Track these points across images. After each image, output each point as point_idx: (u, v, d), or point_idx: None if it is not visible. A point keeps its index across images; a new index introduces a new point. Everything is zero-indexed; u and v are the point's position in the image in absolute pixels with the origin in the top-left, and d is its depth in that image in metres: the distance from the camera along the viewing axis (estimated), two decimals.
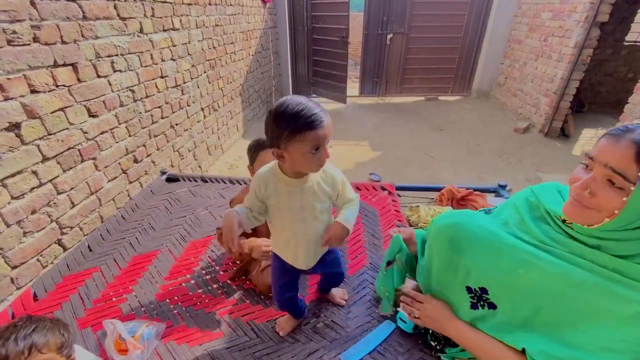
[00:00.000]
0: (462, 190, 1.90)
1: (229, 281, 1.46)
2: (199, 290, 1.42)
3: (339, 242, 0.98)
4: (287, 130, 0.81)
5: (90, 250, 1.58)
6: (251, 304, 1.35)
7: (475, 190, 1.96)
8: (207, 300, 1.37)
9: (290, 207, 0.95)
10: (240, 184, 2.16)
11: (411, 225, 1.83)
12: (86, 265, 1.50)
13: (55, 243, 1.74)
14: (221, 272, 1.52)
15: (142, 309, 1.31)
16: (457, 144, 4.55)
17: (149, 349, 1.12)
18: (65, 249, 1.79)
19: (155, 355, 1.13)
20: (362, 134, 4.87)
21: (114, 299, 1.35)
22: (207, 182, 2.17)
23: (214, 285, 1.45)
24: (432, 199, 2.04)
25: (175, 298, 1.37)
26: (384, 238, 1.71)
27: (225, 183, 2.16)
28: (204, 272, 1.52)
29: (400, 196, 2.04)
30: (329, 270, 1.19)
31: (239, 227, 0.91)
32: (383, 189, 2.09)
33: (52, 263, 1.71)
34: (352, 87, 6.82)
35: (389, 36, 6.12)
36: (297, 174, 0.92)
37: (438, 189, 2.03)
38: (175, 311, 1.31)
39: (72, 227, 1.82)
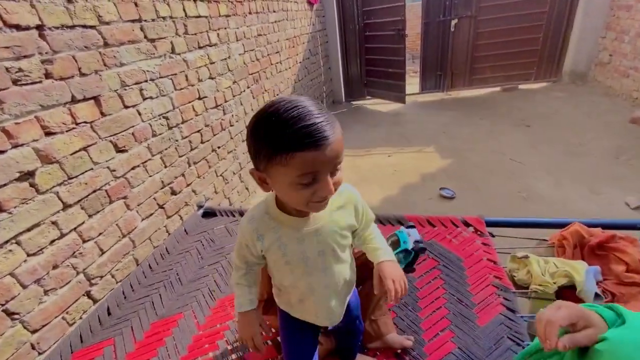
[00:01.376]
0: (596, 231, 1.27)
1: None
2: None
3: (405, 287, 0.73)
4: (267, 146, 0.57)
5: (110, 314, 1.36)
6: None
7: (615, 227, 1.31)
8: None
9: (305, 258, 0.70)
10: None
11: (517, 286, 1.26)
12: (101, 336, 1.27)
13: (84, 296, 1.57)
14: (250, 350, 1.16)
15: None
16: (551, 143, 3.65)
17: None
18: (95, 301, 1.62)
19: None
20: (427, 137, 4.23)
21: None
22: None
23: None
24: (544, 240, 1.43)
25: None
26: (478, 306, 1.18)
27: None
28: (229, 348, 1.18)
29: (493, 236, 1.48)
30: (349, 321, 0.88)
31: (260, 327, 0.79)
32: (467, 224, 1.54)
33: (80, 319, 1.55)
34: (412, 83, 6.14)
35: (453, 22, 5.34)
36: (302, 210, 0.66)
37: (554, 225, 1.42)
38: None
39: (102, 276, 1.65)
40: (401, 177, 3.33)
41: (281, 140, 0.54)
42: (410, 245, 1.01)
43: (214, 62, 2.51)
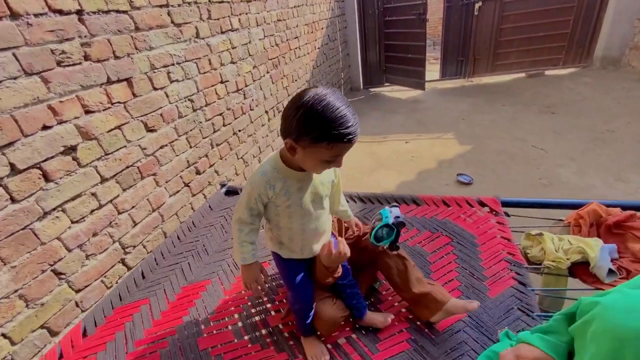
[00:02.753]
0: (615, 211, 1.27)
1: (280, 325, 1.19)
2: (246, 337, 1.18)
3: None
4: (316, 132, 0.74)
5: (144, 278, 1.48)
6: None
7: (635, 208, 1.30)
8: (253, 353, 1.12)
9: (301, 203, 0.92)
10: None
11: (530, 262, 1.29)
12: (137, 296, 1.40)
13: (119, 263, 1.72)
14: (272, 312, 1.26)
15: (182, 359, 1.13)
16: (577, 130, 3.53)
17: None
18: (129, 268, 1.77)
19: None
20: (446, 124, 4.18)
21: (155, 342, 1.20)
22: None
23: (263, 331, 1.20)
24: (560, 220, 1.44)
25: (219, 346, 1.15)
26: (489, 279, 1.22)
27: None
28: (253, 311, 1.28)
29: (508, 215, 1.50)
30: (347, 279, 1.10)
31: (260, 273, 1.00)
32: (482, 204, 1.57)
33: (116, 283, 1.69)
34: (431, 70, 6.03)
35: (477, 5, 5.17)
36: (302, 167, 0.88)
37: (570, 206, 1.42)
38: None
39: (134, 246, 1.79)
40: (418, 163, 3.33)
41: (330, 132, 0.73)
42: (391, 220, 1.07)
43: (235, 47, 2.58)
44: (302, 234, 0.97)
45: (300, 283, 1.03)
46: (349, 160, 3.70)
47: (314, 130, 0.74)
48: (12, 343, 1.28)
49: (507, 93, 4.99)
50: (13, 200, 1.27)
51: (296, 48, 3.66)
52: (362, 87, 6.13)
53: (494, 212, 1.52)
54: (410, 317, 1.14)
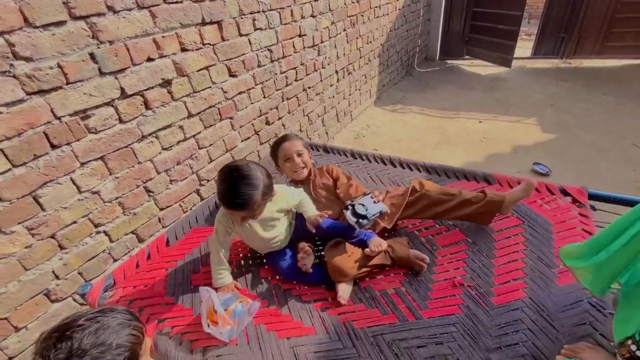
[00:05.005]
0: None
1: None
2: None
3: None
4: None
5: (217, 207, 1.65)
6: (352, 301, 1.14)
7: None
8: (306, 287, 1.22)
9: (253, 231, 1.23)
10: (362, 159, 1.88)
11: None
12: (210, 221, 1.57)
13: (195, 192, 1.92)
14: None
15: (245, 280, 1.27)
16: None
17: (240, 327, 1.04)
18: (202, 198, 1.97)
19: (243, 335, 1.06)
20: (529, 108, 3.77)
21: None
22: (329, 152, 1.99)
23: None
24: None
25: (277, 277, 1.27)
26: (560, 268, 1.15)
27: (346, 156, 1.93)
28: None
29: (594, 209, 1.36)
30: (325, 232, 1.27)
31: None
32: (565, 193, 1.43)
33: (191, 209, 1.91)
34: (519, 46, 5.35)
35: None
36: None
37: None
38: (274, 292, 1.21)
39: (208, 180, 1.98)
40: (490, 145, 3.10)
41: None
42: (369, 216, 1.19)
43: (317, 0, 2.53)
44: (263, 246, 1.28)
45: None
46: (413, 132, 3.57)
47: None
48: (111, 240, 1.54)
49: (612, 80, 4.28)
50: (120, 120, 1.46)
51: (376, 7, 3.48)
52: (437, 58, 5.70)
53: (578, 204, 1.38)
54: (467, 284, 1.13)
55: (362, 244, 1.21)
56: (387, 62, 4.17)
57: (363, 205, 1.20)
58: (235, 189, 1.00)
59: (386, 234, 1.35)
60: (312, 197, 1.37)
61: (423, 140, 3.28)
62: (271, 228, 1.21)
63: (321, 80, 2.88)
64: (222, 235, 1.19)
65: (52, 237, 1.32)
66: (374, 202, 1.23)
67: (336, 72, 3.07)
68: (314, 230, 1.20)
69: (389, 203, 1.36)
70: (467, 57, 5.56)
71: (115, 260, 1.58)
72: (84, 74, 1.29)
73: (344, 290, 1.15)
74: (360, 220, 1.17)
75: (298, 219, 1.29)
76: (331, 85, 3.06)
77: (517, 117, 3.58)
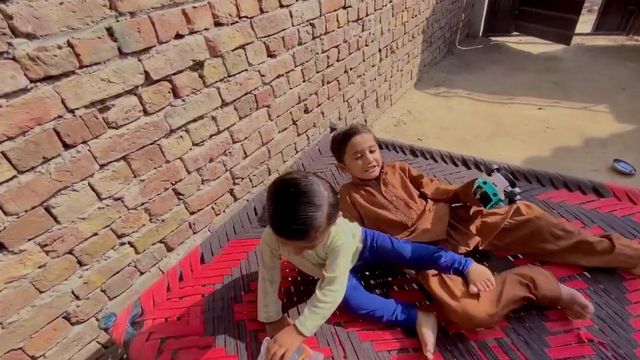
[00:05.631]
0: None
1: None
2: None
3: None
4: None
5: (257, 214, 1.41)
6: (442, 355, 0.88)
7: None
8: (377, 329, 0.96)
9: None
10: (426, 158, 1.57)
11: None
12: (251, 233, 1.33)
13: (228, 192, 1.68)
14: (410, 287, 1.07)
15: (298, 314, 1.02)
16: None
17: None
18: (235, 198, 1.73)
19: None
20: (597, 92, 3.29)
21: None
22: (381, 148, 1.70)
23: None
24: None
25: (337, 313, 1.02)
26: None
27: (404, 154, 1.62)
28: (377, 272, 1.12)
29: None
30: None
31: None
32: None
33: (223, 212, 1.68)
34: (580, 21, 4.72)
35: None
36: None
37: None
38: (337, 335, 0.96)
39: (242, 178, 1.73)
40: (555, 137, 2.69)
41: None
42: (502, 196, 0.92)
43: None
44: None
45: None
46: (461, 119, 3.19)
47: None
48: (137, 252, 1.33)
49: None
50: (145, 112, 1.21)
51: None
52: (480, 35, 5.14)
53: None
54: (598, 341, 0.84)
55: (458, 274, 0.95)
56: (430, 39, 3.72)
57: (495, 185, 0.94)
58: (293, 211, 0.74)
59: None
60: (381, 198, 1.13)
61: (474, 130, 2.90)
62: (320, 254, 0.95)
63: (363, 60, 2.53)
64: (269, 259, 0.97)
65: (70, 252, 1.12)
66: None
67: (379, 50, 2.70)
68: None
69: (480, 222, 1.07)
70: (515, 33, 4.99)
71: (142, 274, 1.37)
72: (101, 55, 1.03)
73: (430, 339, 0.89)
74: (514, 188, 0.91)
75: (367, 240, 1.02)
76: (373, 66, 2.71)
77: (583, 104, 3.12)
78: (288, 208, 0.75)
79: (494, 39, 5.06)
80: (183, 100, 1.31)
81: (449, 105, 3.34)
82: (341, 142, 1.15)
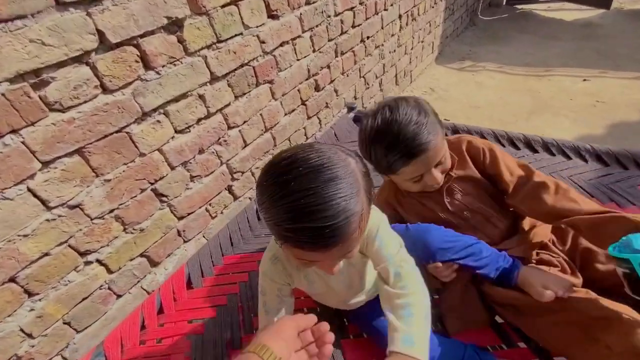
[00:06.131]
0: None
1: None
2: None
3: None
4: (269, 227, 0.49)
5: (259, 220, 1.10)
6: None
7: None
8: None
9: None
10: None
11: None
12: (252, 245, 1.02)
13: (226, 190, 1.38)
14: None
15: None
16: None
17: None
18: (235, 197, 1.43)
19: None
20: None
21: None
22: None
23: None
24: None
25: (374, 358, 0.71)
26: None
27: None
28: None
29: None
30: None
31: None
32: None
33: (221, 213, 1.38)
34: None
35: None
36: None
37: None
38: None
39: (243, 172, 1.42)
40: (608, 112, 2.30)
41: (276, 230, 0.47)
42: None
43: None
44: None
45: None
46: (493, 96, 2.80)
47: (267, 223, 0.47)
48: (109, 271, 1.04)
49: None
50: (104, 88, 0.89)
51: None
52: (504, 3, 4.63)
53: None
54: None
55: (506, 280, 0.69)
56: (452, 7, 3.29)
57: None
58: (320, 196, 0.42)
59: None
60: (443, 213, 0.76)
61: (510, 107, 2.51)
62: (353, 270, 0.64)
63: (382, 28, 2.15)
64: (273, 301, 0.60)
65: (12, 280, 0.83)
66: None
67: (399, 16, 2.32)
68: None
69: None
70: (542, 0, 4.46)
71: (119, 297, 1.09)
72: (27, 5, 0.71)
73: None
74: None
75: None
76: (392, 35, 2.32)
77: (636, 73, 2.69)
78: (309, 200, 0.42)
79: (520, 7, 4.54)
80: (158, 73, 0.99)
81: (477, 81, 2.94)
82: (392, 161, 0.67)
